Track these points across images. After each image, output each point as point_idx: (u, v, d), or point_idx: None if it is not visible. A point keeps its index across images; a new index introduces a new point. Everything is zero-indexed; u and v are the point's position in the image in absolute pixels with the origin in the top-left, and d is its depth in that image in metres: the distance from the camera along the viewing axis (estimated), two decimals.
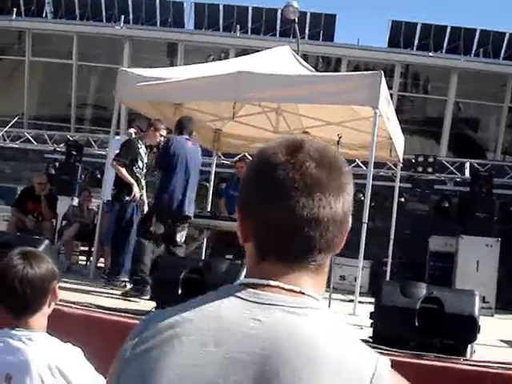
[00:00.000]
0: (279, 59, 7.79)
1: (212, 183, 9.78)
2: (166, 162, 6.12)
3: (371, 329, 4.45)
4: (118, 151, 6.63)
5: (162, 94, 7.14)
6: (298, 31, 12.15)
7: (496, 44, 19.01)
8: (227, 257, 8.80)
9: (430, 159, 10.06)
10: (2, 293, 2.04)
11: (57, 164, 11.35)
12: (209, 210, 9.10)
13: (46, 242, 4.96)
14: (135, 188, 6.39)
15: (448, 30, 19.81)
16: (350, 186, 1.06)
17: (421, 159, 9.96)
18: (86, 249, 8.53)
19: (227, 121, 9.21)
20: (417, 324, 4.06)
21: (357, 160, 11.22)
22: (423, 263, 10.36)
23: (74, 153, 9.49)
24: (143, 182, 6.76)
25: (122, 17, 18.75)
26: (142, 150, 6.68)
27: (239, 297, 1.01)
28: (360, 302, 7.16)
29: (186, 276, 4.45)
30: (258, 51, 17.34)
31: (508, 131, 17.03)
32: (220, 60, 18.76)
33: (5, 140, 12.89)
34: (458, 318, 4.02)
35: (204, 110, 8.69)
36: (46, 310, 2.08)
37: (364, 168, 11.02)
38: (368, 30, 53.34)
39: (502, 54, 18.89)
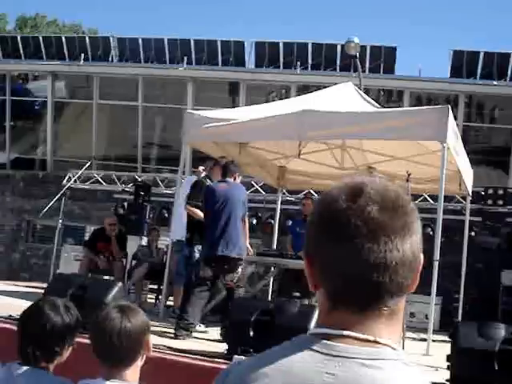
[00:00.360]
0: (343, 96, 7.82)
1: (277, 220, 9.81)
2: (206, 209, 6.29)
3: (447, 371, 4.33)
4: (188, 192, 6.73)
5: (228, 134, 7.28)
6: (359, 66, 12.16)
7: None
8: (294, 294, 8.79)
9: (500, 191, 9.81)
10: (99, 344, 2.13)
11: (125, 204, 11.67)
12: (275, 247, 9.13)
13: (119, 284, 5.08)
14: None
15: None
16: (417, 224, 1.04)
17: (490, 191, 9.73)
18: (155, 287, 8.67)
19: (292, 158, 9.29)
20: (496, 367, 3.92)
21: (424, 194, 11.07)
22: (495, 298, 10.01)
23: (142, 193, 9.73)
24: None
25: (185, 58, 19.27)
26: None
27: (312, 349, 1.00)
28: (433, 341, 6.98)
29: (257, 318, 4.45)
30: (318, 87, 17.52)
31: None
32: (281, 96, 19.05)
33: (75, 181, 13.36)
34: None
35: (268, 148, 8.80)
36: (139, 363, 2.16)
37: (432, 202, 10.85)
38: (429, 60, 52.97)
39: None
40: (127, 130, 18.54)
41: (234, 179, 6.45)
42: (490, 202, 9.38)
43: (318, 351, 0.99)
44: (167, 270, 7.26)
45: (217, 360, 4.38)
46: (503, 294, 9.96)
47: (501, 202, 9.78)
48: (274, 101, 18.72)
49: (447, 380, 4.20)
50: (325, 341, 1.00)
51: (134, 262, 8.81)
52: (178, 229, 7.09)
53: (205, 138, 7.60)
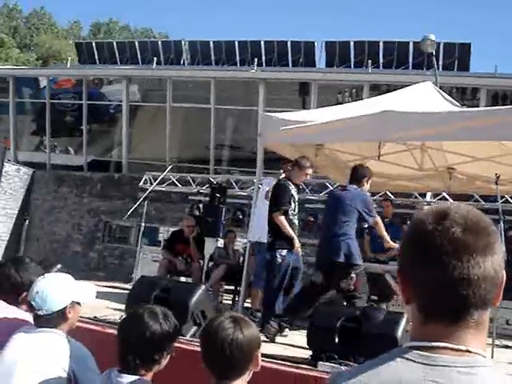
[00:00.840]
0: (423, 95, 7.64)
1: None
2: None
3: None
4: (272, 197, 6.62)
5: (306, 136, 7.22)
6: (435, 64, 11.88)
7: None
8: (372, 298, 8.66)
9: None
10: (209, 353, 2.13)
11: (200, 206, 11.79)
12: None
13: (203, 287, 5.12)
14: (296, 242, 6.29)
15: None
16: (498, 245, 1.15)
17: None
18: (232, 288, 8.71)
19: (368, 159, 9.15)
20: None
21: (506, 196, 10.68)
22: None
23: (218, 195, 9.80)
24: (296, 223, 6.68)
25: (255, 59, 19.35)
26: (294, 191, 6.73)
27: (413, 360, 1.10)
28: (507, 347, 6.71)
29: (343, 324, 4.39)
30: (391, 85, 17.23)
31: None
32: (353, 96, 18.84)
33: (151, 183, 13.60)
34: None
35: (344, 149, 8.69)
36: (247, 377, 2.14)
37: None
38: (505, 57, 51.22)
39: None
40: (200, 132, 18.78)
41: (363, 185, 6.50)
42: None
43: (418, 362, 1.09)
44: (245, 271, 7.28)
45: (302, 366, 4.35)
46: None
47: None
48: (345, 100, 18.60)
49: None
50: (423, 352, 1.10)
51: (210, 264, 8.88)
52: (257, 230, 7.09)
53: (281, 140, 7.55)
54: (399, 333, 4.27)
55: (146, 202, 8.99)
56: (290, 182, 6.72)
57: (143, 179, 13.88)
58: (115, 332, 4.81)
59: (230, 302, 8.63)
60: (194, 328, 4.96)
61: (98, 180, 18.53)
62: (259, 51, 20.85)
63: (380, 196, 11.47)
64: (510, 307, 10.13)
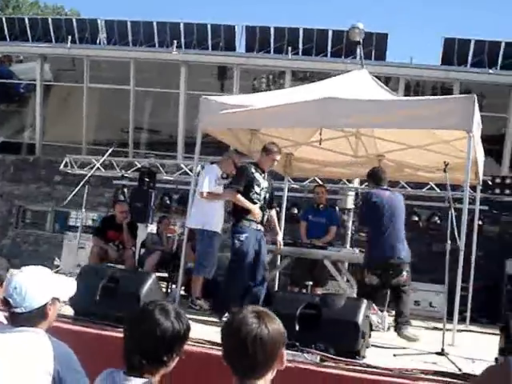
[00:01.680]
0: (360, 83, 7.71)
1: (284, 208, 9.71)
2: (369, 216, 6.29)
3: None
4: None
5: (246, 121, 7.13)
6: (362, 52, 12.06)
7: None
8: (307, 283, 8.72)
9: (508, 180, 9.84)
10: (231, 350, 1.99)
11: (125, 190, 11.44)
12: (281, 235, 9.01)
13: (153, 276, 4.93)
14: (256, 210, 6.36)
15: (502, 45, 19.49)
16: None
17: (498, 180, 9.75)
18: (164, 275, 8.52)
19: (300, 145, 9.19)
20: None
21: (430, 183, 11.04)
22: (500, 287, 10.08)
23: (147, 179, 9.52)
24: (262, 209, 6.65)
25: (175, 42, 18.95)
26: (260, 176, 6.64)
27: None
28: (447, 330, 6.93)
29: (303, 311, 4.36)
30: (313, 72, 17.34)
31: None
32: (274, 82, 18.88)
33: (72, 167, 13.05)
34: None
35: (279, 135, 8.65)
36: (270, 376, 2.01)
37: (438, 190, 10.84)
38: (420, 48, 52.81)
39: None
40: (117, 114, 18.23)
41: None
42: (497, 191, 9.39)
43: None
44: (183, 258, 7.12)
45: None
46: (507, 282, 10.02)
47: (508, 191, 9.81)
48: (267, 86, 18.63)
49: None
50: None
51: (142, 251, 8.64)
52: (199, 217, 6.95)
53: (221, 125, 7.43)
54: (360, 319, 4.28)
55: (89, 188, 8.50)
56: (256, 167, 6.66)
57: (64, 162, 13.29)
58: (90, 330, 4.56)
59: (164, 290, 8.44)
60: None
61: (10, 163, 17.61)
62: (178, 33, 20.39)
63: (310, 182, 11.58)
64: (432, 290, 10.54)
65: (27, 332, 2.39)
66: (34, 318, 2.43)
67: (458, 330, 6.33)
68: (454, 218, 5.94)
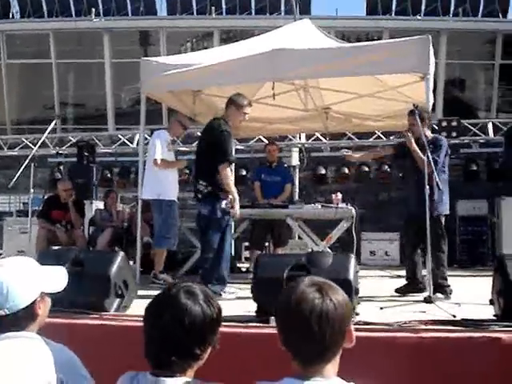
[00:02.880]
0: (306, 33, 7.42)
1: (233, 170, 9.39)
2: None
3: (490, 306, 4.21)
4: (212, 144, 5.82)
5: (191, 81, 6.72)
6: (296, 7, 11.77)
7: (473, 2, 18.84)
8: (266, 245, 8.52)
9: (454, 123, 9.84)
10: (293, 333, 1.67)
11: (61, 168, 10.81)
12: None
13: (122, 253, 4.55)
14: (236, 196, 5.76)
15: None
16: None
17: (444, 124, 9.75)
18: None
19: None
20: None
21: (377, 132, 10.95)
22: (453, 228, 10.17)
23: (86, 154, 8.95)
24: None
25: (93, 9, 18.07)
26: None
27: None
28: (399, 276, 6.88)
29: (291, 274, 4.10)
30: (243, 31, 16.89)
31: (500, 89, 16.95)
32: (203, 43, 18.34)
33: (1, 148, 12.21)
34: None
35: (222, 94, 8.27)
36: (338, 358, 1.71)
37: (384, 139, 10.77)
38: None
39: (480, 12, 18.74)
40: (41, 89, 17.28)
41: None
42: (444, 134, 9.38)
43: None
44: (139, 232, 6.74)
45: (251, 325, 4.01)
46: (459, 223, 10.13)
47: (454, 134, 9.83)
48: (195, 49, 18.08)
49: (496, 315, 4.07)
50: None
51: (92, 229, 8.16)
52: (153, 187, 6.54)
53: (163, 87, 6.98)
54: (351, 275, 4.07)
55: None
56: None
57: None
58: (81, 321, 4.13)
59: None
60: (118, 300, 4.41)
61: None
62: (96, 1, 19.48)
63: (255, 142, 11.30)
64: (386, 238, 10.55)
65: (16, 338, 1.97)
66: (22, 319, 2.02)
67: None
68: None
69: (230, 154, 5.80)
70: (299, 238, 9.45)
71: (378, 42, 6.82)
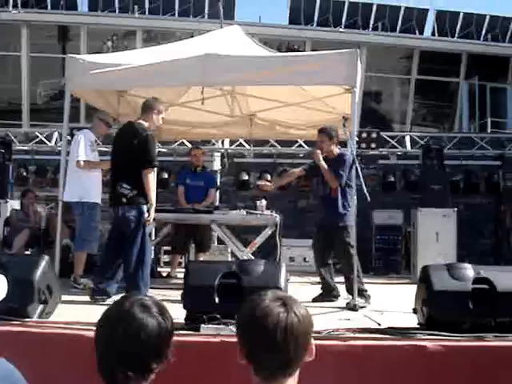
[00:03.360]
0: (236, 40, 7.44)
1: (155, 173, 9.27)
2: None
3: (414, 315, 4.36)
4: (137, 149, 5.71)
5: (120, 81, 6.59)
6: (222, 12, 11.77)
7: (392, 17, 19.54)
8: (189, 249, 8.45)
9: (374, 135, 10.15)
10: (257, 347, 1.65)
11: None
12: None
13: (46, 258, 4.37)
14: (152, 212, 5.68)
15: (346, 5, 20.11)
16: None
17: (364, 135, 10.02)
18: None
19: (170, 107, 8.75)
20: (471, 306, 3.98)
21: (299, 140, 11.10)
22: (369, 237, 10.50)
23: (2, 150, 8.56)
24: None
25: (10, 1, 17.37)
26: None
27: None
28: (319, 283, 7.02)
29: (221, 281, 4.09)
30: (166, 32, 16.72)
31: (415, 103, 17.65)
32: (124, 42, 18.01)
33: None
34: (510, 295, 4.00)
35: (147, 96, 8.15)
36: (298, 372, 1.71)
37: (307, 148, 10.93)
38: (268, 7, 52.34)
39: (398, 28, 19.45)
40: None
41: None
42: (363, 145, 9.66)
43: None
44: (59, 234, 6.50)
45: (181, 332, 3.96)
46: (375, 232, 10.45)
47: (374, 145, 10.14)
48: (117, 48, 17.73)
49: (419, 323, 4.22)
50: None
51: (6, 230, 7.81)
52: (74, 189, 6.34)
53: (90, 86, 6.80)
54: (282, 283, 4.10)
55: None
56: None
57: None
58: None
59: None
60: (41, 307, 4.24)
61: None
62: None
63: (178, 145, 11.18)
64: (304, 245, 10.69)
65: None
66: None
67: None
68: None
69: (154, 159, 5.77)
70: (219, 243, 9.47)
71: (308, 53, 6.94)
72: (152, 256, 8.11)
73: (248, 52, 6.90)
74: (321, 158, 6.19)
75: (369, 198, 5.62)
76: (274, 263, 4.44)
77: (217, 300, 4.06)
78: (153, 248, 8.50)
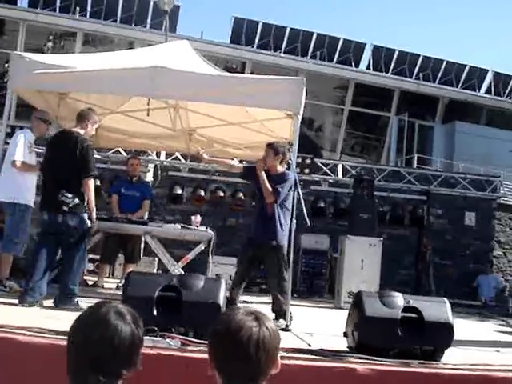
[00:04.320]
0: (184, 55, 7.49)
1: None
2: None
3: (343, 338, 4.50)
4: (79, 158, 5.73)
5: (66, 84, 6.49)
6: (168, 23, 11.79)
7: (331, 48, 20.14)
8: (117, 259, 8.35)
9: (308, 160, 10.40)
10: (230, 358, 1.71)
11: None
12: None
13: None
14: (95, 220, 5.79)
15: (287, 30, 20.57)
16: None
17: (299, 160, 10.25)
18: None
19: (108, 114, 8.68)
20: (400, 333, 4.17)
21: (235, 159, 11.20)
22: (296, 259, 10.69)
23: None
24: None
25: None
26: None
27: None
28: (245, 302, 7.09)
29: (161, 294, 4.11)
30: (107, 37, 16.53)
31: (346, 133, 18.21)
32: (61, 42, 17.71)
33: None
34: (436, 325, 4.21)
35: (88, 100, 8.07)
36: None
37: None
38: (210, 24, 52.56)
39: (335, 59, 20.07)
40: None
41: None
42: (297, 170, 9.87)
43: None
44: None
45: None
46: (302, 255, 10.66)
47: (307, 171, 10.39)
48: (55, 49, 17.40)
49: (349, 347, 4.36)
50: None
51: None
52: (8, 189, 6.19)
53: (33, 85, 6.67)
54: (221, 299, 4.16)
55: None
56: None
57: None
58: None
59: None
60: None
61: None
62: None
63: (113, 153, 11.05)
64: (230, 263, 10.77)
65: None
66: None
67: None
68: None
69: (94, 169, 5.86)
70: (145, 255, 9.41)
71: (258, 76, 7.05)
72: None
73: (196, 69, 6.97)
74: (261, 169, 6.16)
75: (308, 223, 5.75)
76: (214, 279, 4.48)
77: (155, 312, 4.07)
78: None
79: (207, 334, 1.84)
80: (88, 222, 5.66)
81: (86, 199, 5.74)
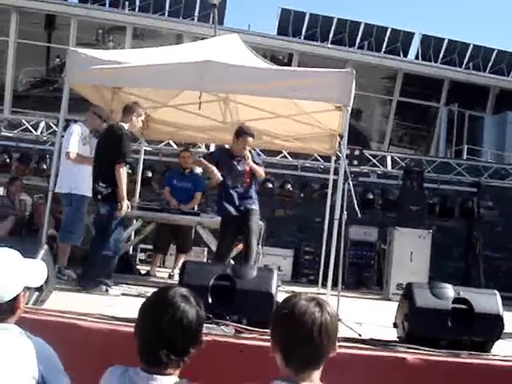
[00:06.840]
0: (234, 49, 7.61)
1: (140, 171, 9.39)
2: None
3: (394, 329, 4.57)
4: (113, 144, 5.97)
5: (121, 79, 6.70)
6: (216, 16, 11.92)
7: (378, 38, 19.92)
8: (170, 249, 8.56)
9: (356, 152, 10.43)
10: (294, 341, 1.83)
11: None
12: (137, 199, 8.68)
13: (45, 247, 4.47)
14: (125, 205, 5.91)
15: (335, 21, 20.42)
16: None
17: (347, 152, 10.24)
18: None
19: (160, 107, 8.88)
20: (450, 324, 4.21)
21: (283, 151, 11.32)
22: (344, 251, 10.70)
23: None
24: None
25: None
26: None
27: None
28: (293, 292, 7.18)
29: (215, 283, 4.24)
30: (156, 30, 16.78)
31: (394, 124, 18.03)
32: (109, 37, 18.06)
33: None
34: (486, 317, 4.24)
35: (141, 95, 8.28)
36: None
37: (290, 159, 11.16)
38: (258, 16, 52.39)
39: (383, 48, 19.85)
40: None
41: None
42: (346, 161, 9.86)
43: None
44: (46, 224, 6.57)
45: None
46: (350, 247, 10.68)
47: (356, 163, 10.41)
48: (106, 40, 17.77)
49: (399, 337, 4.43)
50: None
51: None
52: (68, 180, 6.44)
53: (91, 80, 6.89)
54: (273, 288, 4.28)
55: None
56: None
57: None
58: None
59: None
60: (36, 294, 4.33)
61: None
62: None
63: (165, 145, 11.29)
64: (279, 254, 10.89)
65: (1, 330, 1.99)
66: (3, 312, 2.04)
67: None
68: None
69: (126, 155, 6.01)
70: (196, 245, 9.60)
71: (308, 69, 7.07)
72: (131, 252, 8.25)
73: (246, 62, 7.07)
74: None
75: (360, 214, 5.81)
76: (267, 269, 4.60)
77: (210, 300, 4.21)
78: (131, 246, 8.65)
79: (270, 318, 1.96)
80: (116, 212, 5.86)
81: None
